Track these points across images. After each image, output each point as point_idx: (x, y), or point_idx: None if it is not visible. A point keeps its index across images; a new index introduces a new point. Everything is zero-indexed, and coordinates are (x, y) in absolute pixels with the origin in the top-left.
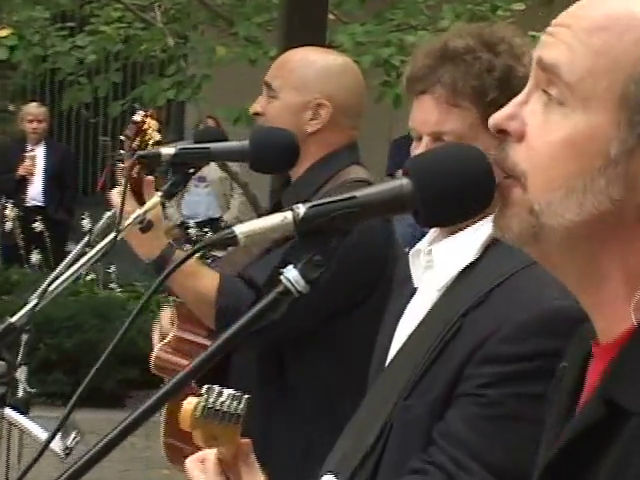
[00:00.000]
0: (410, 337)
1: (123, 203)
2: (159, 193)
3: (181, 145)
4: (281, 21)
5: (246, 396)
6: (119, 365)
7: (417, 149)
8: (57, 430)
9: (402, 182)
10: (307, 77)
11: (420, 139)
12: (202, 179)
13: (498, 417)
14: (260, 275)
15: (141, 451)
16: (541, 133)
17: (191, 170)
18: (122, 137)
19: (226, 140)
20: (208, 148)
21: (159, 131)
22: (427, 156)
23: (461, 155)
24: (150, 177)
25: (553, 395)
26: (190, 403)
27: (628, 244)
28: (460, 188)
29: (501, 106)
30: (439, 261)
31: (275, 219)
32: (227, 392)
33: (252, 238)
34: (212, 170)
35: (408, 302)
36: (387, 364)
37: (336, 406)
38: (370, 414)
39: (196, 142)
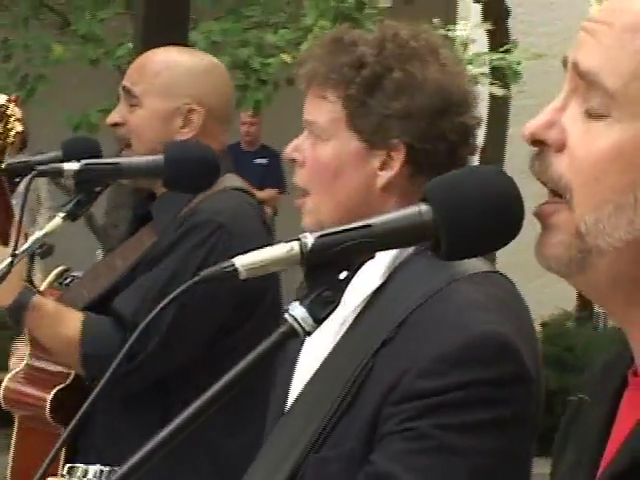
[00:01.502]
0: (313, 379)
1: (21, 222)
2: (61, 214)
3: (86, 160)
4: (137, 17)
5: (108, 469)
6: None
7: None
8: None
9: (421, 208)
10: (174, 81)
11: None
12: None
13: (429, 450)
14: (128, 307)
15: None
16: (584, 143)
17: (98, 188)
18: None
19: (99, 150)
20: (118, 163)
21: (21, 122)
22: (449, 179)
23: (489, 179)
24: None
25: (569, 428)
26: None
27: None
28: (490, 218)
29: (363, 104)
30: None
31: (280, 250)
32: (93, 469)
33: (254, 271)
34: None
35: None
36: (287, 410)
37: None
38: (270, 467)
39: (65, 153)
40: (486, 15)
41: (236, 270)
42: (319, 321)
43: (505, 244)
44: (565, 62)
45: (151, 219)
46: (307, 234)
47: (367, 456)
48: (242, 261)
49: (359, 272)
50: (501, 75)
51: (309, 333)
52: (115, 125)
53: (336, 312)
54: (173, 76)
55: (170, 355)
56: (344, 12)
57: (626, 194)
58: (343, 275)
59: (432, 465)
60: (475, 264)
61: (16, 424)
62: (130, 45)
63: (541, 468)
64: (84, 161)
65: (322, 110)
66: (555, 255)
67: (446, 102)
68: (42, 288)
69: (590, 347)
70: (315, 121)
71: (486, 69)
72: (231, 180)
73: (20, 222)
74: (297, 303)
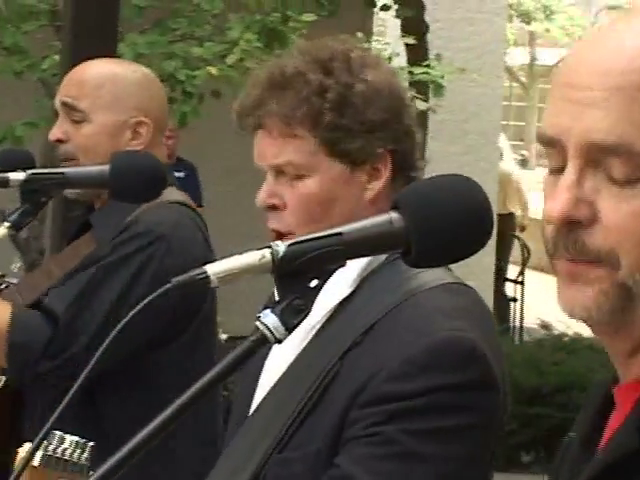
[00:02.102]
0: (279, 382)
1: None
2: (6, 224)
3: (32, 170)
4: (65, 29)
5: (91, 443)
6: None
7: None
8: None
9: (391, 216)
10: (119, 93)
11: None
12: None
13: (393, 455)
14: (59, 304)
15: None
16: (619, 210)
17: (43, 199)
18: None
19: (33, 162)
20: (63, 173)
21: None
22: (419, 187)
23: (457, 187)
24: None
25: (561, 466)
26: (27, 450)
27: None
28: (460, 225)
29: (340, 127)
30: None
31: (251, 258)
32: (70, 439)
33: (225, 279)
34: None
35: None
36: (251, 412)
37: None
38: (232, 469)
39: (1, 164)
40: (405, 30)
41: (208, 278)
42: (290, 329)
43: (475, 252)
44: (547, 140)
45: (88, 230)
46: (278, 242)
47: (332, 458)
48: (214, 269)
49: (329, 279)
50: (423, 89)
51: (280, 341)
52: (58, 141)
53: (306, 319)
54: (118, 89)
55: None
56: (269, 26)
57: None
58: (314, 283)
59: (396, 470)
60: (441, 275)
61: None
62: (56, 57)
63: None
64: (30, 171)
65: (295, 148)
66: (596, 305)
67: (403, 101)
68: None
69: (507, 359)
70: (290, 161)
71: (406, 83)
72: (172, 194)
73: None
74: (268, 311)
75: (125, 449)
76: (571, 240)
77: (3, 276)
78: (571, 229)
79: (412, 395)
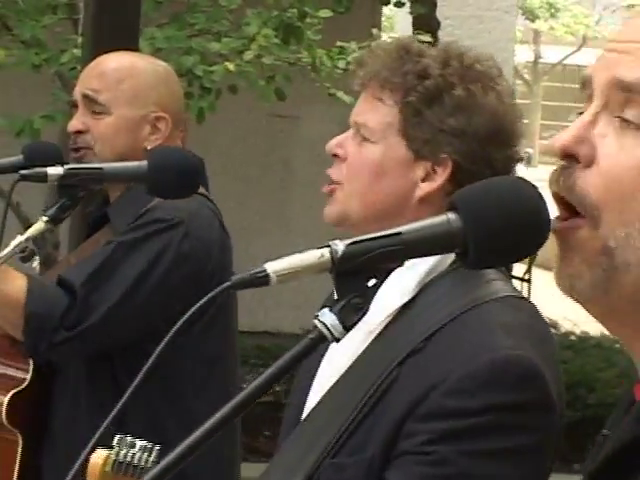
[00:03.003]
0: (335, 386)
1: (3, 227)
2: (44, 218)
3: (69, 165)
4: (87, 23)
5: (157, 447)
6: None
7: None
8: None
9: (449, 217)
10: (139, 88)
11: None
12: None
13: (446, 477)
14: (77, 276)
15: None
16: (617, 159)
17: (81, 193)
18: None
19: (62, 156)
20: (101, 168)
21: None
22: (476, 188)
23: (514, 189)
24: None
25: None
26: (99, 456)
27: None
28: (517, 226)
29: (420, 114)
30: None
31: (311, 257)
32: (139, 444)
33: (285, 277)
34: None
35: (327, 346)
36: (305, 416)
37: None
38: (285, 471)
39: (27, 158)
40: (416, 26)
41: (267, 276)
42: (348, 328)
43: (530, 254)
44: (585, 80)
45: (106, 222)
46: (337, 241)
47: (385, 465)
48: (273, 267)
49: (389, 282)
50: None
51: (338, 339)
52: (77, 132)
53: (363, 321)
54: (139, 84)
55: (109, 332)
56: (286, 21)
57: None
58: (372, 282)
59: None
60: (504, 287)
61: None
62: (74, 51)
63: None
64: (68, 166)
65: (376, 113)
66: (580, 275)
67: (499, 130)
68: None
69: None
70: (366, 123)
71: None
72: None
73: (2, 227)
74: (327, 309)
75: (182, 446)
76: (566, 175)
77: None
78: (569, 166)
79: (469, 413)
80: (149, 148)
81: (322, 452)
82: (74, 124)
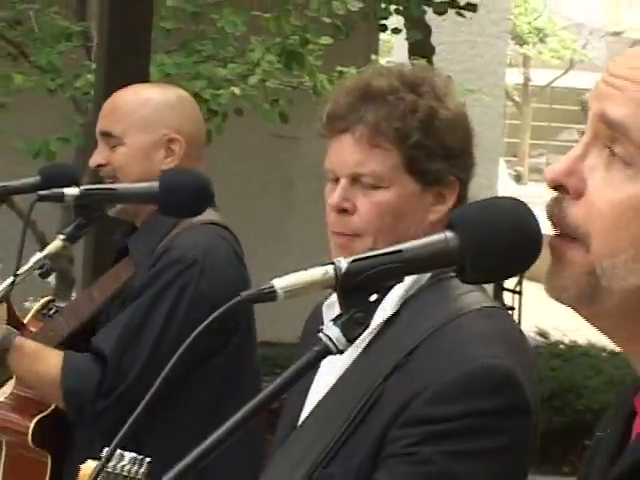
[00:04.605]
0: (327, 397)
1: (22, 245)
2: (61, 236)
3: (86, 186)
4: (100, 50)
5: (147, 460)
6: None
7: (332, 192)
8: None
9: (447, 236)
10: (149, 115)
11: (337, 181)
12: None
13: (428, 475)
14: (106, 344)
15: None
16: (604, 193)
17: (96, 213)
18: None
19: (77, 177)
20: (115, 189)
21: None
22: (472, 208)
23: (508, 209)
24: None
25: (588, 468)
26: (88, 467)
27: None
28: (510, 244)
29: (424, 148)
30: None
31: (316, 273)
32: (128, 456)
33: (292, 293)
34: None
35: None
36: (300, 424)
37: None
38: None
39: (44, 179)
40: (412, 51)
41: (274, 292)
42: (351, 340)
43: (523, 270)
44: (585, 109)
45: (127, 254)
46: (341, 258)
47: (373, 472)
48: (280, 283)
49: (388, 294)
50: None
51: (342, 352)
52: (99, 166)
53: None
54: (148, 111)
55: (146, 388)
56: (288, 48)
57: None
58: (374, 297)
59: None
60: (479, 298)
61: (4, 449)
62: (88, 76)
63: None
64: (83, 187)
65: (379, 160)
66: (567, 287)
67: (471, 134)
68: (27, 319)
69: None
70: (373, 171)
71: None
72: (208, 214)
73: (22, 245)
74: (331, 323)
75: (189, 458)
76: (558, 206)
77: (53, 300)
78: (561, 197)
79: (448, 418)
80: (165, 170)
81: (314, 462)
82: (95, 159)
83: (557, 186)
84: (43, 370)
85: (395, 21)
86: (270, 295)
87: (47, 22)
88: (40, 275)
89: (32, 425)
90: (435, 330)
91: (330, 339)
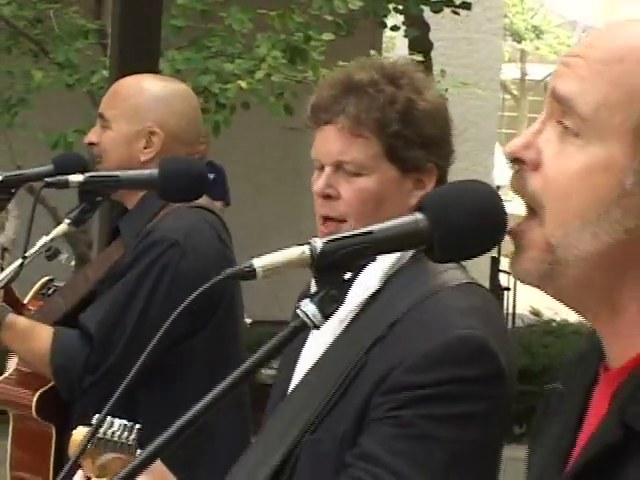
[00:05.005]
0: (313, 368)
1: (30, 228)
2: (67, 220)
3: (89, 173)
4: (114, 47)
5: (137, 426)
6: None
7: (318, 179)
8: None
9: (417, 217)
10: (139, 106)
11: (322, 169)
12: None
13: (408, 436)
14: (92, 322)
15: None
16: (557, 163)
17: (99, 198)
18: None
19: (86, 165)
20: (117, 176)
21: None
22: (441, 191)
23: (475, 192)
24: None
25: (544, 416)
26: (79, 433)
27: None
28: (476, 225)
29: (402, 137)
30: None
31: (293, 253)
32: (118, 422)
33: (270, 271)
34: None
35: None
36: (289, 394)
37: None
38: (269, 445)
39: (56, 168)
40: (412, 48)
41: (254, 270)
42: (327, 316)
43: (489, 250)
44: (548, 89)
45: (119, 235)
46: (316, 239)
47: (357, 437)
48: (259, 263)
49: (361, 274)
50: None
51: (318, 327)
52: (90, 144)
53: (338, 313)
54: (139, 102)
55: (131, 364)
56: (293, 44)
57: (591, 210)
58: (347, 276)
59: (412, 450)
60: (458, 275)
61: (11, 422)
62: (104, 72)
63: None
64: (87, 174)
65: (360, 148)
66: (528, 269)
67: (450, 124)
68: (27, 299)
69: None
70: (354, 159)
71: None
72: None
73: (29, 230)
74: (308, 300)
75: (173, 428)
76: (518, 177)
77: (52, 280)
78: (521, 169)
79: (427, 385)
80: (143, 160)
81: (302, 429)
82: (88, 137)
83: (516, 160)
84: (34, 347)
85: (396, 19)
86: (250, 273)
87: (66, 21)
88: (47, 257)
89: (35, 398)
90: (415, 305)
91: (307, 315)
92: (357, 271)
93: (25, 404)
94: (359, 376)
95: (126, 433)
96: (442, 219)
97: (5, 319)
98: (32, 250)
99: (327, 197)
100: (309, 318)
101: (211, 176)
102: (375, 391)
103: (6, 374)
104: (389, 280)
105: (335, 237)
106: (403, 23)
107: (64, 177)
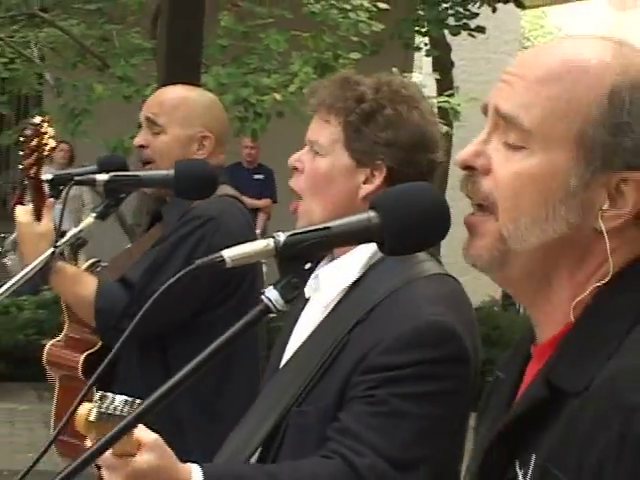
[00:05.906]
0: (301, 347)
1: (62, 219)
2: (93, 214)
3: (114, 173)
4: (161, 63)
5: (138, 401)
6: None
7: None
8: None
9: (369, 215)
10: (190, 113)
11: None
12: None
13: (382, 413)
14: (134, 275)
15: (6, 437)
16: (505, 168)
17: (122, 195)
18: (21, 137)
19: (126, 165)
20: (138, 176)
21: (53, 138)
22: (391, 192)
23: (422, 194)
24: (51, 199)
25: (489, 398)
26: (84, 408)
27: (579, 261)
28: (423, 222)
29: (358, 130)
30: (325, 283)
31: (259, 245)
32: (119, 398)
33: (238, 261)
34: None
35: (302, 309)
36: (280, 368)
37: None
38: (260, 416)
39: (100, 167)
40: (435, 66)
41: (224, 260)
42: (288, 301)
43: (433, 245)
44: (485, 107)
45: (162, 219)
46: (280, 233)
47: (338, 411)
48: (229, 253)
49: (341, 264)
50: (445, 114)
51: (280, 311)
52: (140, 147)
53: (323, 297)
54: (189, 110)
55: (154, 322)
56: (323, 62)
57: (540, 209)
58: (307, 265)
59: (384, 424)
60: (431, 267)
61: (57, 383)
62: (155, 85)
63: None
64: (112, 173)
65: (325, 132)
66: (480, 255)
67: (421, 140)
68: None
69: (512, 327)
70: (317, 140)
71: (435, 110)
72: (225, 189)
73: (60, 221)
74: (271, 287)
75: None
76: (471, 182)
77: (99, 261)
78: (472, 175)
79: (399, 366)
80: None
81: (290, 401)
82: (138, 140)
83: (467, 167)
84: (80, 291)
85: (421, 40)
86: (220, 262)
87: (127, 40)
88: (76, 246)
89: (82, 359)
90: (392, 292)
91: (270, 300)
92: (316, 261)
93: (71, 365)
94: (341, 354)
95: (127, 407)
96: (392, 217)
97: (56, 264)
98: (63, 240)
99: (295, 169)
100: (272, 303)
101: (261, 177)
102: (355, 370)
103: (55, 339)
104: (371, 269)
105: (297, 231)
106: (426, 44)
107: (92, 176)
